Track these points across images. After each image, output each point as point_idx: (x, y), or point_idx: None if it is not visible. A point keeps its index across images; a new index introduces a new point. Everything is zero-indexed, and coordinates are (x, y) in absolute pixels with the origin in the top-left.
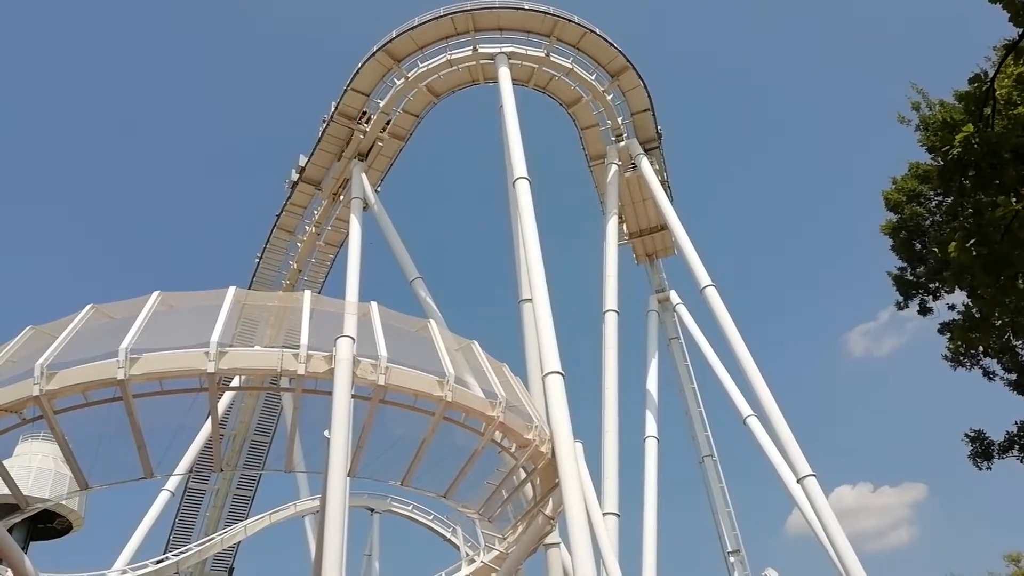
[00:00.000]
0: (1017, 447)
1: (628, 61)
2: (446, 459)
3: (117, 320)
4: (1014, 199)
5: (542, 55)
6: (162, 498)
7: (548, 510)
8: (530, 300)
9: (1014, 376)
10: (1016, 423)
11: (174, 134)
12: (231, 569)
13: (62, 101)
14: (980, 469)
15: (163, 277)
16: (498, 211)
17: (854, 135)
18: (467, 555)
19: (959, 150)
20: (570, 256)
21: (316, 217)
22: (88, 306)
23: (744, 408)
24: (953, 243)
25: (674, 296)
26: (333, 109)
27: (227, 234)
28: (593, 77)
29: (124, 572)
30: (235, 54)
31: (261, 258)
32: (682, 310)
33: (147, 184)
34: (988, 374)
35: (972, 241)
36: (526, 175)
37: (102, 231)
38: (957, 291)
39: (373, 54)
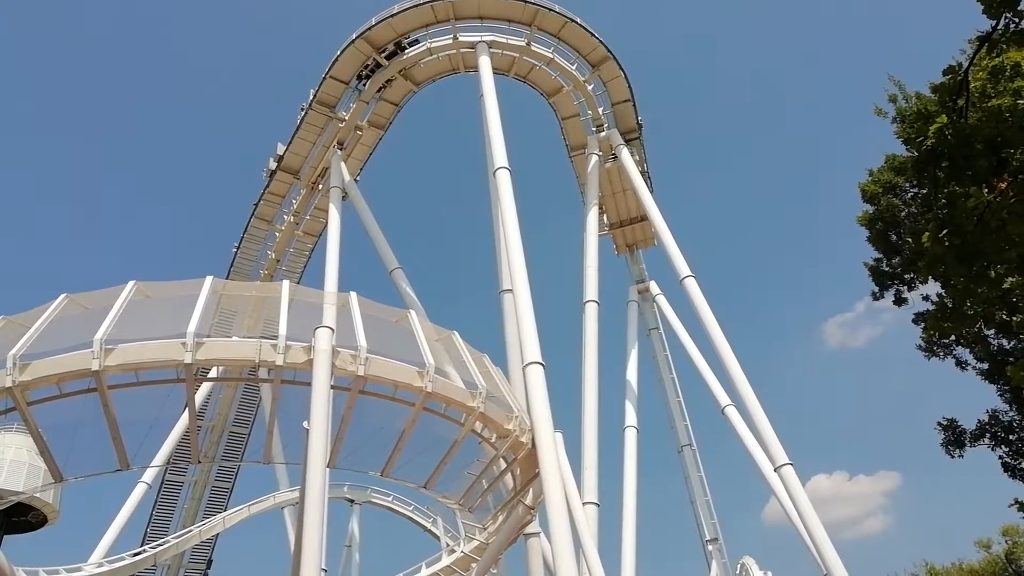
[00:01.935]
0: (988, 435)
1: (609, 51)
2: (426, 450)
3: (92, 310)
4: (986, 190)
5: (523, 44)
6: (139, 490)
7: (528, 500)
8: (511, 291)
9: (986, 365)
10: (987, 412)
11: (149, 120)
12: (209, 561)
13: (37, 87)
14: (952, 457)
15: (139, 266)
16: (479, 201)
17: (834, 127)
18: (447, 545)
19: (933, 141)
20: (551, 247)
21: (295, 206)
22: (62, 296)
23: (722, 398)
24: (927, 233)
25: (654, 287)
26: (312, 97)
27: (204, 223)
28: (574, 67)
29: (100, 565)
30: (213, 39)
31: (239, 248)
32: (662, 301)
33: (122, 172)
34: (961, 364)
35: (945, 231)
36: (507, 165)
37: (75, 219)
38: (931, 282)
39: (352, 41)
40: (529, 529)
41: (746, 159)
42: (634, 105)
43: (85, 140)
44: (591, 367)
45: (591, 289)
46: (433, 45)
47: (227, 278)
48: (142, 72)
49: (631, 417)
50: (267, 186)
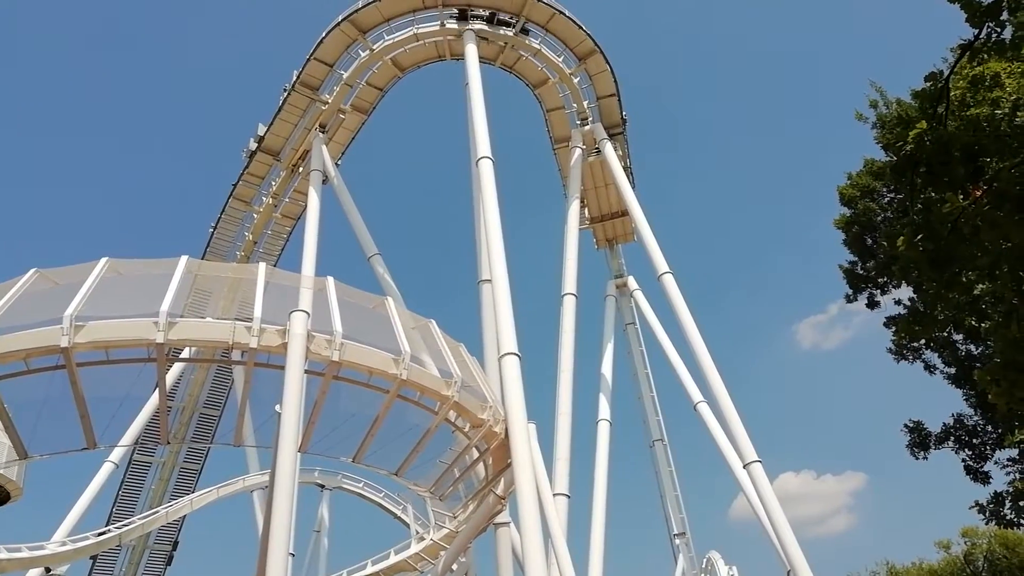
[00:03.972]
0: (952, 439)
1: (596, 45)
2: (399, 437)
3: (62, 286)
4: (961, 197)
5: (510, 34)
6: (105, 469)
7: (499, 490)
8: (489, 281)
9: (953, 370)
10: (953, 416)
11: (129, 95)
12: (175, 543)
13: (8, 59)
14: (917, 459)
15: (112, 244)
16: (460, 190)
17: (816, 129)
18: (417, 533)
19: (912, 146)
20: (532, 238)
21: (274, 188)
22: (32, 270)
23: (695, 394)
24: (902, 238)
25: (632, 282)
26: (295, 78)
27: (180, 202)
28: (561, 59)
29: (64, 544)
30: (196, 15)
31: (215, 228)
32: (639, 296)
33: (99, 147)
34: (929, 368)
35: (920, 236)
36: (490, 155)
37: (49, 194)
38: (904, 286)
39: (338, 24)
40: (499, 519)
41: (727, 158)
42: (619, 100)
43: (59, 114)
44: (567, 360)
45: (570, 282)
46: (420, 31)
47: (203, 258)
48: (122, 44)
49: (604, 411)
50: (246, 166)
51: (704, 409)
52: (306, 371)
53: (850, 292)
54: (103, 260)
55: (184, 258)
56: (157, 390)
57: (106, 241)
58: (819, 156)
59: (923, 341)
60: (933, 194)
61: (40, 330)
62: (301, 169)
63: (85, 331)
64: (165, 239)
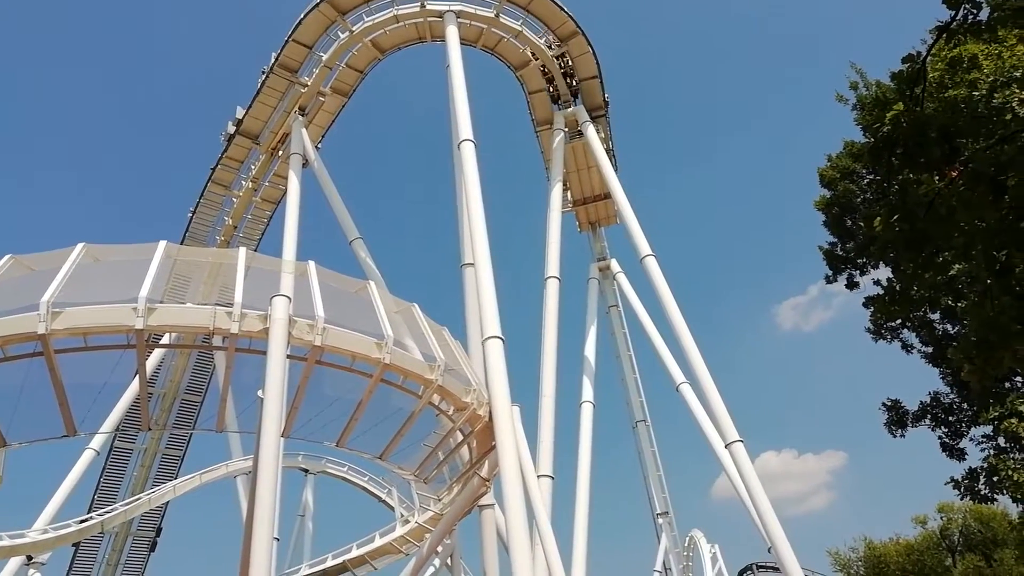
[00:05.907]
0: (929, 416)
1: (578, 26)
2: (383, 421)
3: (38, 272)
4: (937, 178)
5: (491, 15)
6: (86, 457)
7: (484, 472)
8: (472, 264)
9: (930, 349)
10: (930, 394)
11: (105, 78)
12: (159, 529)
13: None
14: (895, 436)
15: (89, 229)
16: (443, 173)
17: (799, 112)
18: (402, 516)
19: (889, 128)
20: (514, 221)
21: (253, 172)
22: (7, 256)
23: (678, 375)
24: (879, 218)
25: (615, 265)
26: (273, 60)
27: (158, 187)
28: (542, 41)
29: (45, 531)
30: None
31: (194, 213)
32: (622, 279)
33: (75, 132)
34: (906, 347)
35: (896, 217)
36: (471, 137)
37: (24, 179)
38: (883, 268)
39: (317, 5)
40: (483, 501)
41: (710, 141)
42: (601, 82)
43: (35, 97)
44: (550, 342)
45: (552, 265)
46: (400, 12)
47: (182, 243)
48: (101, 28)
49: (588, 392)
50: (225, 150)
51: (686, 390)
52: (288, 356)
53: (830, 273)
54: (80, 246)
55: (163, 243)
56: (137, 376)
57: (83, 227)
58: (801, 138)
59: (900, 321)
60: (910, 175)
61: (16, 317)
62: (281, 152)
63: (63, 317)
64: (143, 224)
